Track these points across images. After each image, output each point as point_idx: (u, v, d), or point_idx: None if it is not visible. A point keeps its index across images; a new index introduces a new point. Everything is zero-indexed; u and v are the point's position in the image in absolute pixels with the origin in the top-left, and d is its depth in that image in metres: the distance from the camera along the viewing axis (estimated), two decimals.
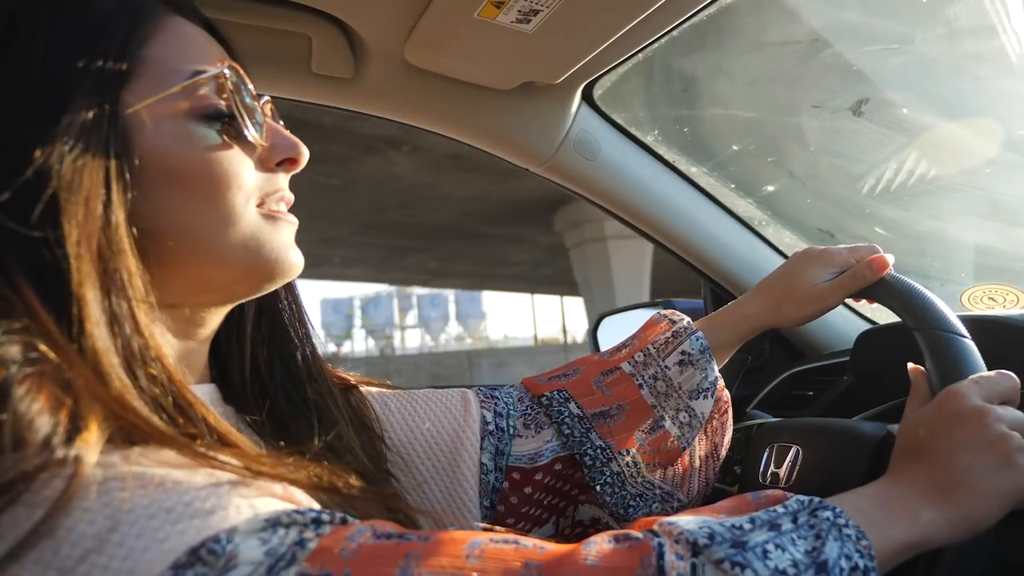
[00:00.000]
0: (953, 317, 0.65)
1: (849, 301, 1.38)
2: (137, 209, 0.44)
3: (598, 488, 0.68)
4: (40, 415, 0.35)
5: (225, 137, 0.49)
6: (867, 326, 1.30)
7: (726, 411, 0.74)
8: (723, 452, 0.75)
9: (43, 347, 0.37)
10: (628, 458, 0.69)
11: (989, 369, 0.60)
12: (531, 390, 0.74)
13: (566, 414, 0.70)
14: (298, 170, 0.56)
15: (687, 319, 0.75)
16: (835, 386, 1.06)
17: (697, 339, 0.72)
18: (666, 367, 0.71)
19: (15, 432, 0.34)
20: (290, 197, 0.55)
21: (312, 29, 0.87)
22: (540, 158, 1.08)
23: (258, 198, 0.51)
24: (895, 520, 0.48)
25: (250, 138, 0.50)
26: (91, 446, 0.35)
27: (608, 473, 0.68)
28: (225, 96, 0.49)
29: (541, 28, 0.81)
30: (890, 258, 0.72)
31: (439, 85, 0.96)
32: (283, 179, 0.54)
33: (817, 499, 0.48)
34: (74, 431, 0.35)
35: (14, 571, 0.32)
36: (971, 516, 0.50)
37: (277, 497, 0.39)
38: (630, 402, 0.70)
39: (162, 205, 0.46)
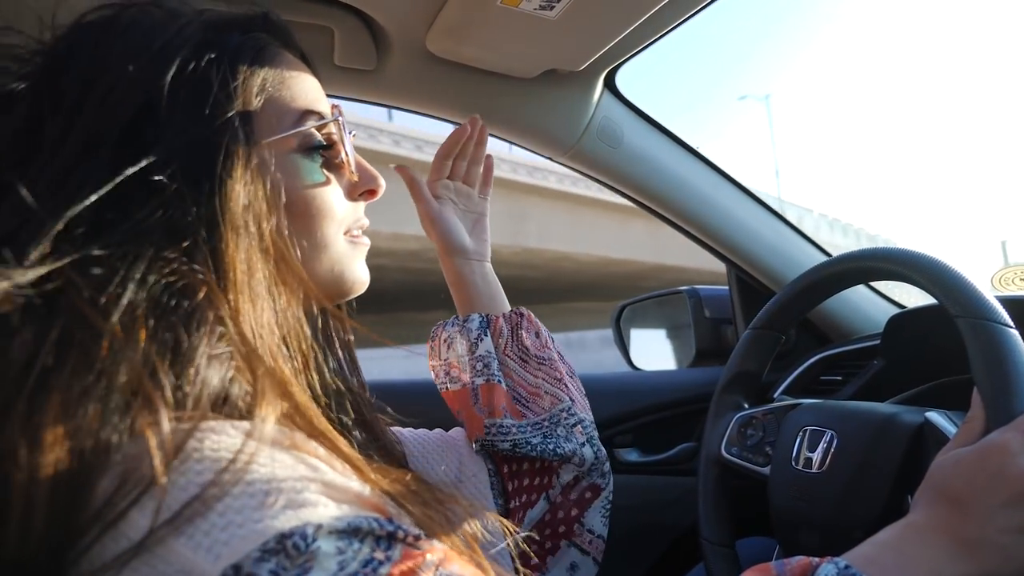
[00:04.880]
0: (997, 305, 0.62)
1: (876, 284, 1.36)
2: None
3: (520, 452, 0.71)
4: (231, 385, 0.40)
5: (325, 171, 0.54)
6: (895, 310, 1.29)
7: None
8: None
9: (232, 330, 0.42)
10: (503, 427, 0.71)
11: None
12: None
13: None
14: (375, 199, 0.60)
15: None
16: (866, 369, 1.05)
17: (472, 320, 0.75)
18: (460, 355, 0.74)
19: (207, 399, 0.39)
20: (366, 223, 0.60)
21: (334, 21, 0.87)
22: (563, 146, 1.07)
23: (346, 227, 0.56)
24: None
25: (347, 174, 0.56)
26: (269, 416, 0.39)
27: (509, 444, 0.71)
28: (327, 133, 0.54)
29: (565, 14, 0.80)
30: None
31: (461, 75, 0.96)
32: (363, 207, 0.59)
33: (843, 563, 0.48)
34: (253, 403, 0.40)
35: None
36: None
37: (364, 502, 0.39)
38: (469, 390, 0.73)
39: None
